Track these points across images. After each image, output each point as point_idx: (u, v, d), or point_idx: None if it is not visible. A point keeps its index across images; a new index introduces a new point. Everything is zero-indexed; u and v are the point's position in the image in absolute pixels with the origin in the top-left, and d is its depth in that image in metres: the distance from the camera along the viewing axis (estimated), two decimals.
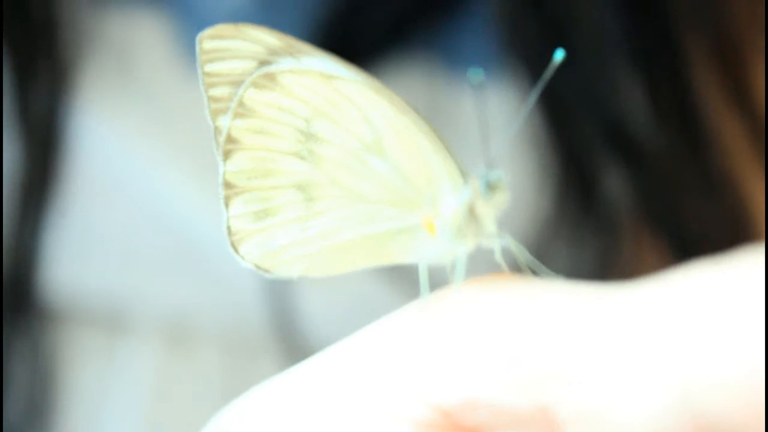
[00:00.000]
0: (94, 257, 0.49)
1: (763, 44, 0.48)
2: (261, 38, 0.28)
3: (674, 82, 0.47)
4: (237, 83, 0.28)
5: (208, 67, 0.28)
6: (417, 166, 0.27)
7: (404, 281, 0.46)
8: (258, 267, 0.29)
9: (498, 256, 0.28)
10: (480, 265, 0.28)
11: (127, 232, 0.49)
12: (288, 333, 0.48)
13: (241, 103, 0.28)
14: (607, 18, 0.46)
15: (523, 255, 0.27)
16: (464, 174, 0.27)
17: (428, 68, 0.49)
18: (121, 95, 0.49)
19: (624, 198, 0.47)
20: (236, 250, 0.29)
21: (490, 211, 0.27)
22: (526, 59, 0.46)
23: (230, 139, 0.28)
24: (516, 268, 0.28)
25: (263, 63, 0.28)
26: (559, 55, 0.27)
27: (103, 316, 0.49)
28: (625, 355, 0.22)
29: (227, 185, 0.29)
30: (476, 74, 0.26)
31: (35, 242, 0.49)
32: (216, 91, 0.28)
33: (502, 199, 0.27)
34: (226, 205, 0.29)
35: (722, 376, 0.21)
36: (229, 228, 0.29)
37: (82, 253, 0.49)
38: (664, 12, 0.47)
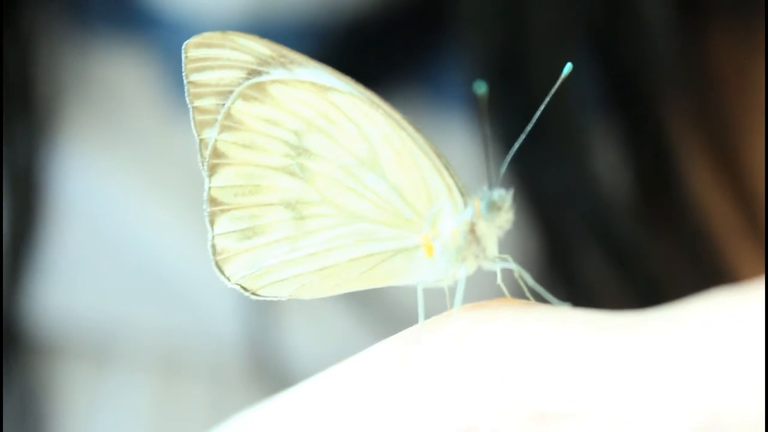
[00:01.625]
0: (80, 292, 0.48)
1: (754, 115, 0.47)
2: (250, 47, 0.26)
3: (658, 158, 0.46)
4: (224, 94, 0.27)
5: (194, 77, 0.27)
6: (415, 183, 0.26)
7: (394, 316, 0.45)
8: (244, 288, 0.27)
9: (499, 280, 0.26)
10: (480, 288, 0.27)
11: (113, 267, 0.48)
12: (273, 364, 0.47)
13: (228, 116, 0.27)
14: (587, 92, 0.45)
15: (527, 280, 0.26)
16: (465, 193, 0.26)
17: (414, 101, 0.48)
18: (105, 136, 0.49)
19: (606, 282, 0.46)
20: (221, 271, 0.27)
21: (492, 232, 0.26)
22: (499, 116, 0.44)
23: (216, 153, 0.27)
24: (518, 292, 0.26)
25: (253, 73, 0.26)
26: (567, 68, 0.25)
27: (90, 349, 0.48)
28: (638, 389, 0.21)
29: (213, 202, 0.27)
30: (480, 87, 0.25)
31: (23, 280, 0.48)
32: (202, 103, 0.27)
33: (505, 219, 0.26)
34: (211, 222, 0.27)
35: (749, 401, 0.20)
36: (213, 247, 0.27)
37: (69, 288, 0.48)
38: (647, 87, 0.46)
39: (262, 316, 0.47)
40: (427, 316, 0.25)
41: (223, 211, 0.27)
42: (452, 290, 0.26)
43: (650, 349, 0.21)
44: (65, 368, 0.49)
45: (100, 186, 0.48)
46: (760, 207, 0.47)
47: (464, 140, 0.46)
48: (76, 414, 0.49)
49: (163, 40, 0.49)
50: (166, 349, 0.48)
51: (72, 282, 0.48)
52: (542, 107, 0.26)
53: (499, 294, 0.26)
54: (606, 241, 0.45)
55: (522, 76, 0.44)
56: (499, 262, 0.26)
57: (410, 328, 0.25)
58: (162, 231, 0.48)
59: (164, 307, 0.48)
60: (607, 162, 0.46)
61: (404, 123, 0.26)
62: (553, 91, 0.26)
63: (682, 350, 0.21)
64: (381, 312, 0.46)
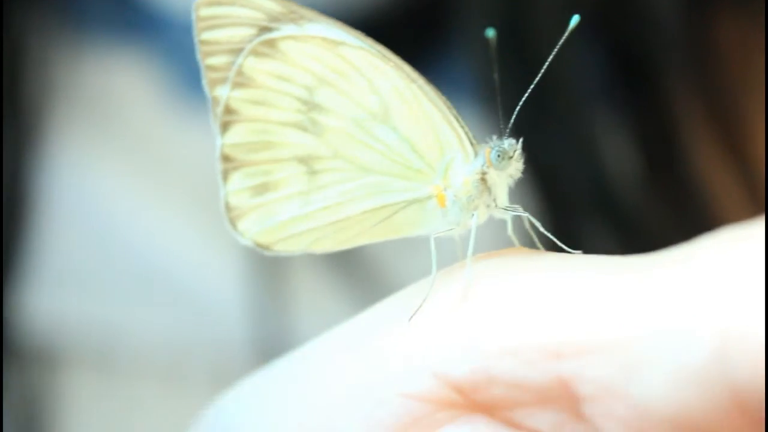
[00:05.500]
0: (79, 297, 0.48)
1: (759, 93, 0.47)
2: (261, 4, 0.27)
3: (664, 138, 0.46)
4: (235, 51, 0.27)
5: (205, 35, 0.27)
6: (426, 135, 0.26)
7: None
8: (257, 244, 0.28)
9: (510, 230, 0.27)
10: (491, 241, 0.27)
11: (112, 272, 0.48)
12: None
13: (240, 73, 0.27)
14: (592, 68, 0.45)
15: (538, 227, 0.26)
16: (475, 143, 0.26)
17: None
18: (101, 138, 0.48)
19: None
20: (234, 227, 0.28)
21: (502, 181, 0.26)
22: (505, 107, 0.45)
23: (228, 111, 0.27)
24: (529, 244, 0.27)
25: (263, 30, 0.27)
26: (575, 20, 0.26)
27: (91, 355, 0.48)
28: (651, 320, 0.21)
29: (225, 159, 0.27)
30: (490, 32, 0.25)
31: (20, 287, 0.48)
32: (213, 60, 0.27)
33: (516, 168, 0.26)
34: (224, 179, 0.27)
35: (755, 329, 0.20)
36: (227, 204, 0.27)
37: (67, 293, 0.48)
38: (651, 64, 0.46)
39: (267, 319, 0.47)
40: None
41: (235, 168, 0.27)
42: (463, 239, 0.26)
43: (661, 284, 0.21)
44: (66, 375, 0.49)
45: (98, 189, 0.48)
46: (762, 184, 0.47)
47: (474, 131, 0.46)
48: (78, 421, 0.49)
49: (160, 40, 0.49)
50: (169, 354, 0.48)
51: (71, 287, 0.48)
52: (550, 58, 0.26)
53: (509, 245, 0.27)
54: (612, 217, 0.45)
55: (528, 59, 0.44)
56: (510, 211, 0.26)
57: (422, 280, 0.25)
58: (162, 234, 0.48)
59: (166, 311, 0.48)
60: (613, 140, 0.46)
61: (414, 75, 0.26)
62: (561, 42, 0.26)
63: (692, 283, 0.21)
64: None
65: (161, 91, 0.49)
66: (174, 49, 0.48)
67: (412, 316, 0.24)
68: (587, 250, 0.46)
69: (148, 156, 0.48)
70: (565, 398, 0.22)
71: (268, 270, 0.47)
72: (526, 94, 0.26)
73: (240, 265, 0.47)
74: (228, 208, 0.27)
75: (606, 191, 0.45)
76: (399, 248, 0.46)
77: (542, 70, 0.26)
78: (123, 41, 0.49)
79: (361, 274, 0.47)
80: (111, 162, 0.48)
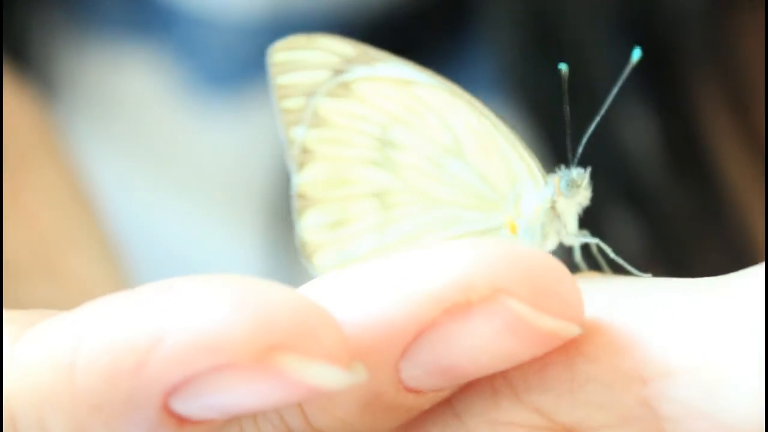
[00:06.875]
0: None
1: None
2: (334, 47, 0.28)
3: (685, 124, 0.47)
4: (310, 93, 0.28)
5: (281, 79, 0.28)
6: (497, 167, 0.27)
7: None
8: None
9: (578, 256, 0.28)
10: None
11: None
12: None
13: (315, 114, 0.28)
14: (616, 59, 0.46)
15: (607, 252, 0.27)
16: (543, 174, 0.27)
17: None
18: (106, 135, 0.48)
19: (633, 244, 0.47)
20: (310, 262, 0.29)
21: (572, 208, 0.27)
22: (532, 101, 0.45)
23: (304, 150, 0.28)
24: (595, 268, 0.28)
25: (337, 72, 0.28)
26: (636, 54, 0.27)
27: None
28: (728, 341, 0.22)
29: (301, 196, 0.28)
30: (563, 68, 0.26)
31: None
32: (288, 103, 0.28)
33: (584, 196, 0.27)
34: (299, 216, 0.29)
35: None
36: (302, 240, 0.29)
37: None
38: (674, 53, 0.47)
39: None
40: None
41: (310, 205, 0.28)
42: None
43: (730, 306, 0.22)
44: None
45: (106, 189, 0.47)
46: None
47: None
48: None
49: (171, 35, 0.49)
50: None
51: None
52: (612, 94, 0.27)
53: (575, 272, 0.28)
54: (634, 205, 0.46)
55: (553, 56, 0.44)
56: (579, 237, 0.27)
57: None
58: (173, 232, 0.48)
59: None
60: (636, 128, 0.47)
61: (485, 111, 0.27)
62: (623, 77, 0.27)
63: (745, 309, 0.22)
64: None
65: (172, 87, 0.49)
66: (186, 44, 0.49)
67: None
68: (610, 237, 0.46)
69: (160, 154, 0.48)
70: (646, 418, 0.23)
71: (286, 272, 0.47)
72: (592, 127, 0.27)
73: (256, 262, 0.47)
74: (304, 243, 0.29)
75: (628, 179, 0.46)
76: None
77: (606, 103, 0.28)
78: (132, 36, 0.49)
79: None
80: (120, 161, 0.48)
